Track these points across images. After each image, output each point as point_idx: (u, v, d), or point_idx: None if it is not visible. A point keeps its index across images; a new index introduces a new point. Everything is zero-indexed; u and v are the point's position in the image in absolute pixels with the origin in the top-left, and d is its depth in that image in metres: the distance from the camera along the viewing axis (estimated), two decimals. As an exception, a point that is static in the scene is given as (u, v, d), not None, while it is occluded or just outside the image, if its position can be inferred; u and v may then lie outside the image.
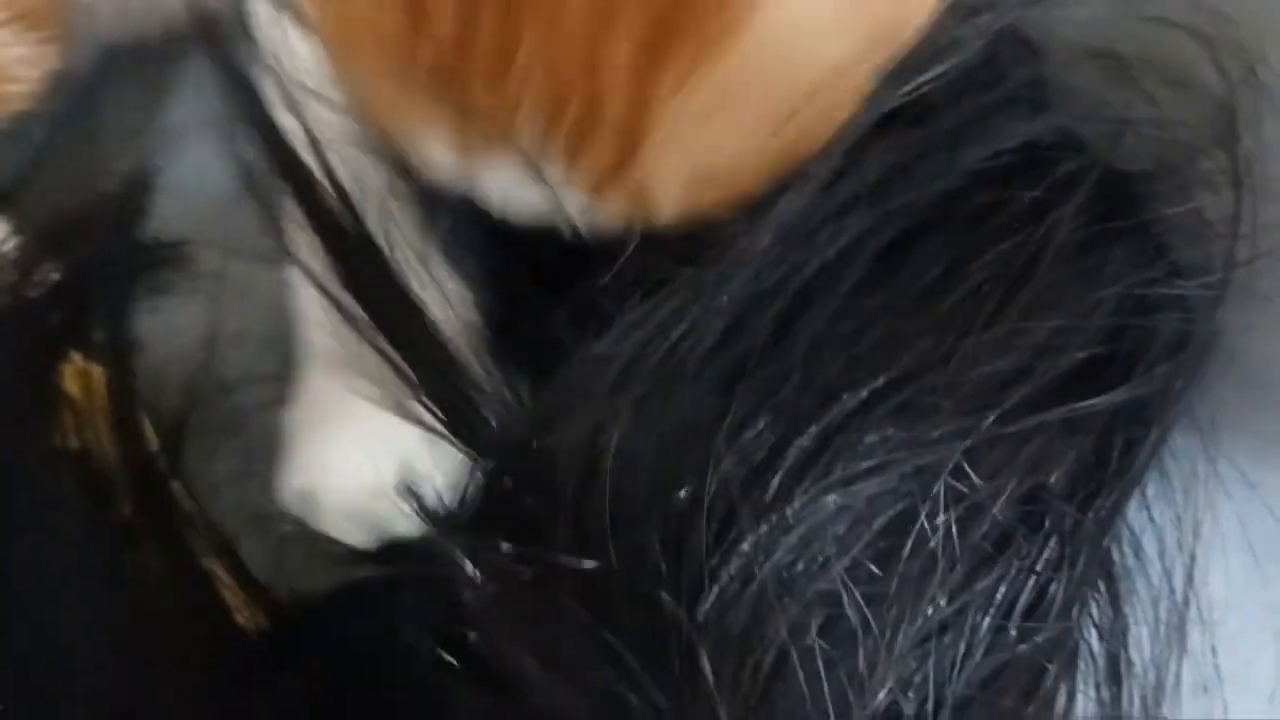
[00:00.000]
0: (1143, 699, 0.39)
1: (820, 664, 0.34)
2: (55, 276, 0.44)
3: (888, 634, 0.35)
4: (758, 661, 0.34)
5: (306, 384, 0.48)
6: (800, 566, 0.35)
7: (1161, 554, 0.40)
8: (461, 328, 0.44)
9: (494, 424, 0.41)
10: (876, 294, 0.39)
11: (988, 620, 0.36)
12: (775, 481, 0.36)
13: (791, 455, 0.36)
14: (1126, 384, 0.39)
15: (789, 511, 0.35)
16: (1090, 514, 0.38)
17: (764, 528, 0.35)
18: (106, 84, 0.57)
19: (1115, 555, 0.40)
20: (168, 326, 0.47)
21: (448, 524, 0.39)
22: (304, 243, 0.46)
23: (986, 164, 0.41)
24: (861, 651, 0.34)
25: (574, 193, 0.39)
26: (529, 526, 0.37)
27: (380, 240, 0.43)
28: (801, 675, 0.34)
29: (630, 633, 0.35)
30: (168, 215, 0.49)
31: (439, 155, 0.39)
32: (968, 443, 0.36)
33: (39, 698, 0.39)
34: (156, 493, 0.43)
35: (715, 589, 0.34)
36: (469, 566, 0.36)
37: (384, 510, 0.43)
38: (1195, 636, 0.39)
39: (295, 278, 0.48)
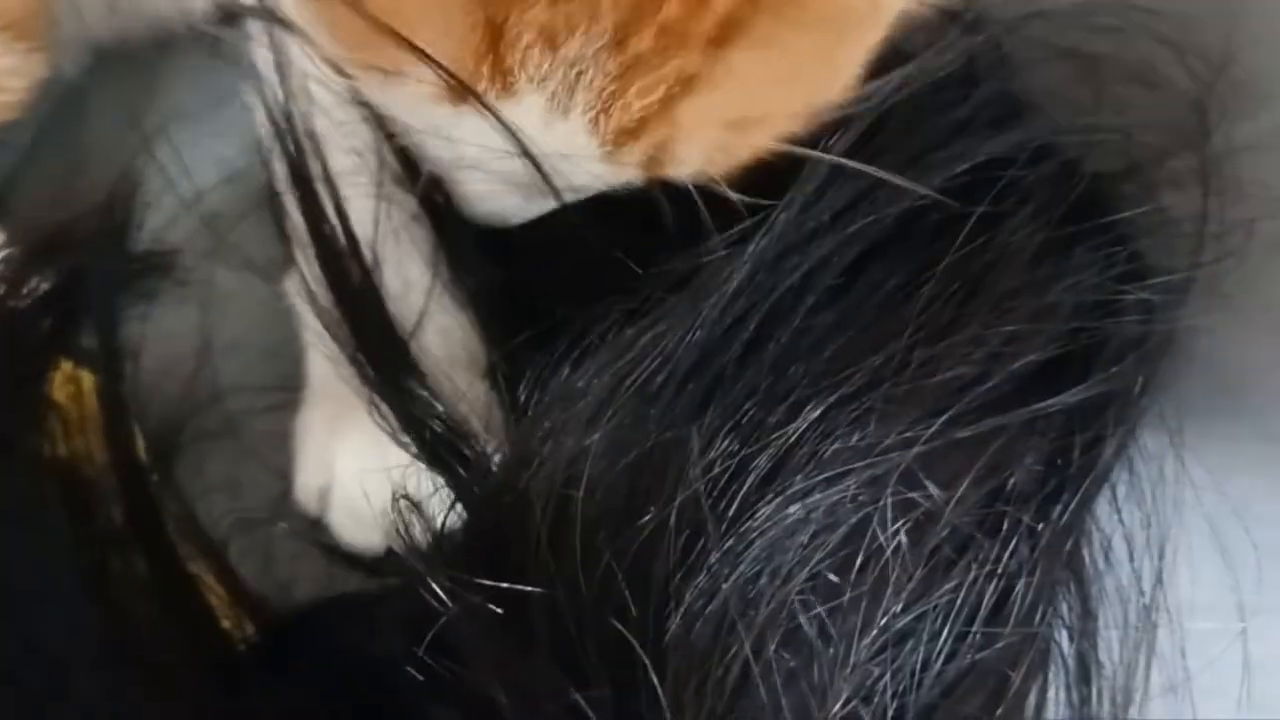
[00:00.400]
0: (1112, 700, 0.39)
1: (781, 676, 0.34)
2: (45, 285, 0.45)
3: (846, 644, 0.35)
4: (721, 676, 0.34)
5: (315, 389, 0.49)
6: (763, 580, 0.35)
7: (1131, 556, 0.41)
8: (459, 359, 0.45)
9: (476, 459, 0.41)
10: (836, 310, 0.40)
11: (948, 627, 0.36)
12: (738, 497, 0.36)
13: (753, 471, 0.36)
14: (1083, 384, 0.39)
15: (751, 526, 0.36)
16: (1052, 516, 0.39)
17: (728, 543, 0.35)
18: (94, 88, 0.57)
19: (1085, 557, 0.40)
20: (159, 334, 0.47)
21: (430, 551, 0.40)
22: (302, 258, 0.46)
23: (948, 182, 0.41)
24: (820, 663, 0.35)
25: (594, 138, 0.38)
26: (504, 558, 0.37)
27: (375, 271, 0.44)
28: (763, 689, 0.34)
29: (597, 657, 0.35)
30: (156, 222, 0.50)
31: (428, 79, 0.37)
32: (919, 449, 0.37)
33: (27, 706, 0.39)
34: (146, 500, 0.44)
35: (681, 608, 0.35)
36: (441, 595, 0.37)
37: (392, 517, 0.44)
38: (1164, 638, 0.40)
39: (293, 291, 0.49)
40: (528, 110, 0.37)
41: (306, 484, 0.48)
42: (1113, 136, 0.43)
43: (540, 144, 0.38)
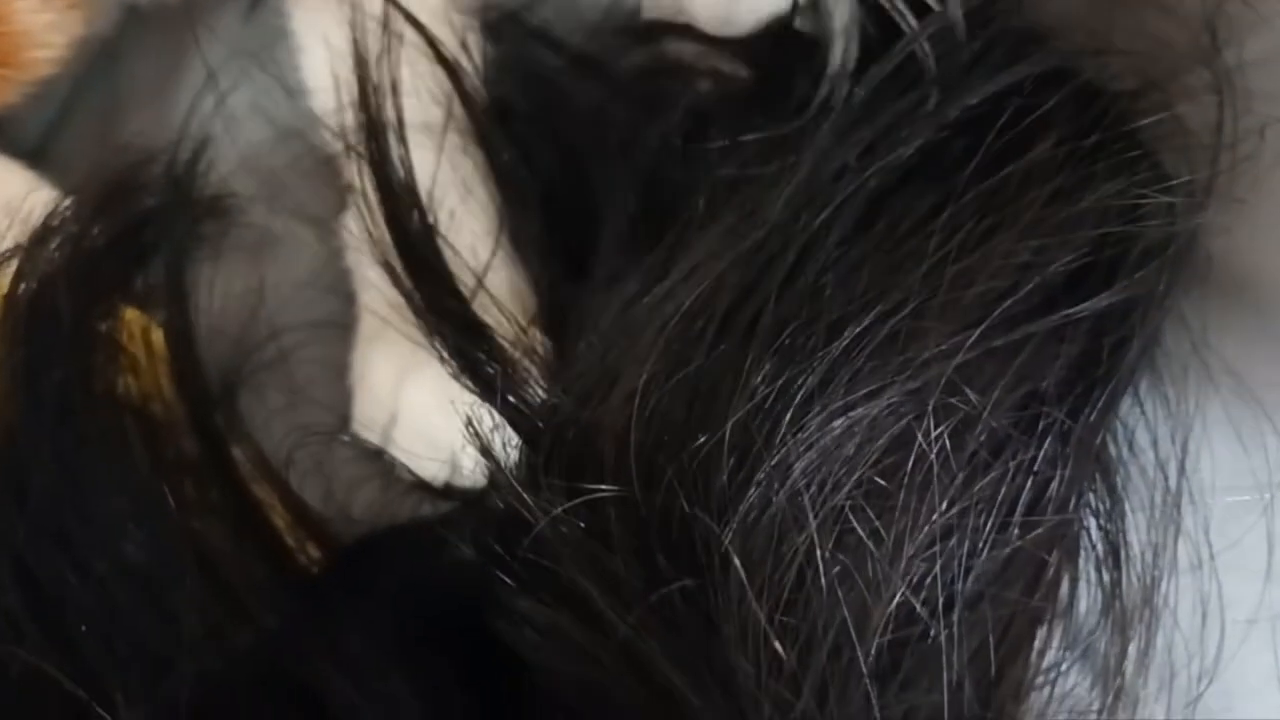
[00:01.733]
0: (1140, 580, 0.41)
1: (836, 576, 0.36)
2: (113, 230, 0.47)
3: (896, 543, 0.37)
4: (780, 578, 0.36)
5: (370, 325, 0.51)
6: (813, 489, 0.37)
7: (1154, 444, 0.43)
8: (515, 306, 0.47)
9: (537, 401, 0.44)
10: (868, 237, 0.42)
11: (990, 520, 0.38)
12: (785, 415, 0.38)
13: (798, 390, 0.38)
14: (1109, 289, 0.41)
15: (799, 439, 0.38)
16: (1083, 414, 0.41)
17: (777, 457, 0.37)
18: (130, 46, 0.59)
19: (1111, 449, 0.43)
20: (217, 275, 0.49)
21: (510, 468, 0.42)
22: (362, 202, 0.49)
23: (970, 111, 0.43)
24: (873, 561, 0.37)
25: None
26: (578, 477, 0.40)
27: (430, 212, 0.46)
28: (821, 587, 0.36)
29: (669, 563, 0.38)
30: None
31: None
32: (957, 359, 0.39)
33: (122, 622, 0.42)
34: (213, 432, 0.46)
35: (736, 519, 0.37)
36: (530, 503, 0.39)
37: (454, 444, 0.47)
38: (1188, 519, 0.42)
39: (346, 235, 0.52)
40: None
41: (369, 416, 0.50)
42: (1127, 58, 0.45)
43: None
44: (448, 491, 0.48)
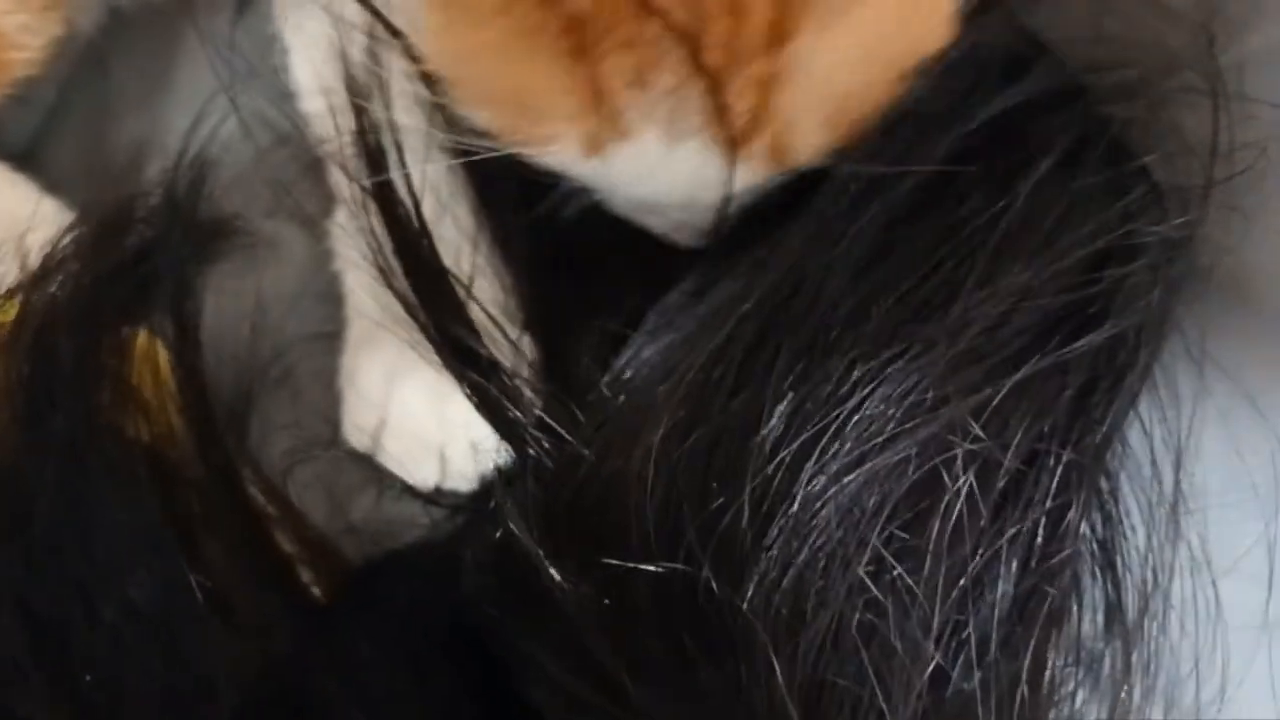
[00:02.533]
0: (1140, 588, 0.42)
1: (867, 640, 0.37)
2: (115, 260, 0.46)
3: (929, 599, 0.37)
4: (806, 645, 0.37)
5: (359, 331, 0.51)
6: (836, 547, 0.37)
7: (1150, 450, 0.43)
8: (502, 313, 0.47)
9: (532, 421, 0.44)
10: (875, 274, 0.41)
11: (1016, 561, 0.39)
12: (802, 469, 0.38)
13: (813, 442, 0.38)
14: (1114, 319, 0.41)
15: (815, 495, 0.38)
16: (1089, 443, 0.41)
17: (794, 514, 0.37)
18: (116, 49, 0.58)
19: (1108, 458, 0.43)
20: (218, 291, 0.49)
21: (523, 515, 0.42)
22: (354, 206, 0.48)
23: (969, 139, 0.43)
24: (906, 622, 0.37)
25: (715, 151, 0.40)
26: (598, 533, 0.40)
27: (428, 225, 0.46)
28: (850, 654, 0.36)
29: (690, 631, 0.38)
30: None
31: (566, 138, 0.40)
32: (970, 400, 0.39)
33: (130, 663, 0.42)
34: (225, 468, 0.46)
35: (754, 581, 0.37)
36: (551, 573, 0.39)
37: (444, 447, 0.47)
38: (1186, 525, 0.42)
39: (336, 239, 0.51)
40: (648, 148, 0.40)
41: (358, 423, 0.50)
42: (1123, 67, 0.45)
43: (670, 175, 0.41)
44: (438, 496, 0.48)
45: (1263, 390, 0.44)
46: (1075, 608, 0.41)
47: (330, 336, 0.52)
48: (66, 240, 0.46)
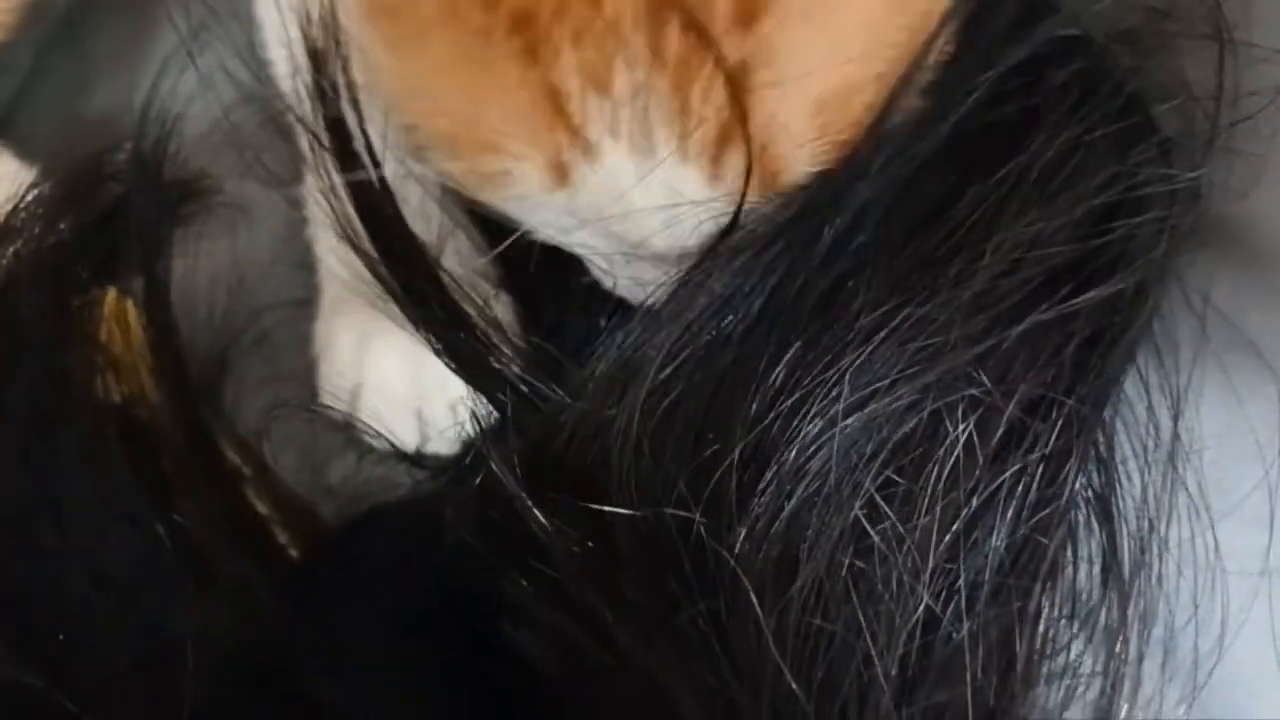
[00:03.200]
0: (1136, 536, 0.41)
1: (859, 587, 0.36)
2: (83, 220, 0.45)
3: (921, 547, 0.36)
4: (797, 592, 0.36)
5: (333, 295, 0.50)
6: (829, 491, 0.36)
7: (1147, 395, 0.42)
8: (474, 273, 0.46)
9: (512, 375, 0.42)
10: (884, 228, 0.40)
11: (1010, 511, 0.38)
12: (797, 414, 0.37)
13: (811, 389, 0.37)
14: (1119, 274, 0.40)
15: (809, 440, 0.37)
16: (1091, 392, 0.40)
17: (788, 458, 0.36)
18: (89, 14, 0.57)
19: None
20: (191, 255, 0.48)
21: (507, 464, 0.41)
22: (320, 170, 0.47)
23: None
24: (898, 569, 0.36)
25: (693, 165, 0.38)
26: (586, 482, 0.39)
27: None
28: (841, 601, 0.36)
29: (677, 580, 0.37)
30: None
31: (529, 170, 0.38)
32: (974, 350, 0.38)
33: (101, 631, 0.41)
34: (200, 430, 0.45)
35: (746, 527, 0.36)
36: (537, 516, 0.38)
37: (420, 409, 0.47)
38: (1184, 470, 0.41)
39: (306, 202, 0.50)
40: (618, 167, 0.38)
41: (336, 385, 0.49)
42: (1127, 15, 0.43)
43: (646, 197, 0.39)
44: (419, 458, 0.47)
45: (1264, 336, 0.42)
46: (1071, 559, 0.40)
47: (306, 303, 0.51)
48: (29, 198, 0.45)
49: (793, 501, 0.36)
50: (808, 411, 0.37)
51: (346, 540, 0.46)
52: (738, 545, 0.36)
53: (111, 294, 0.46)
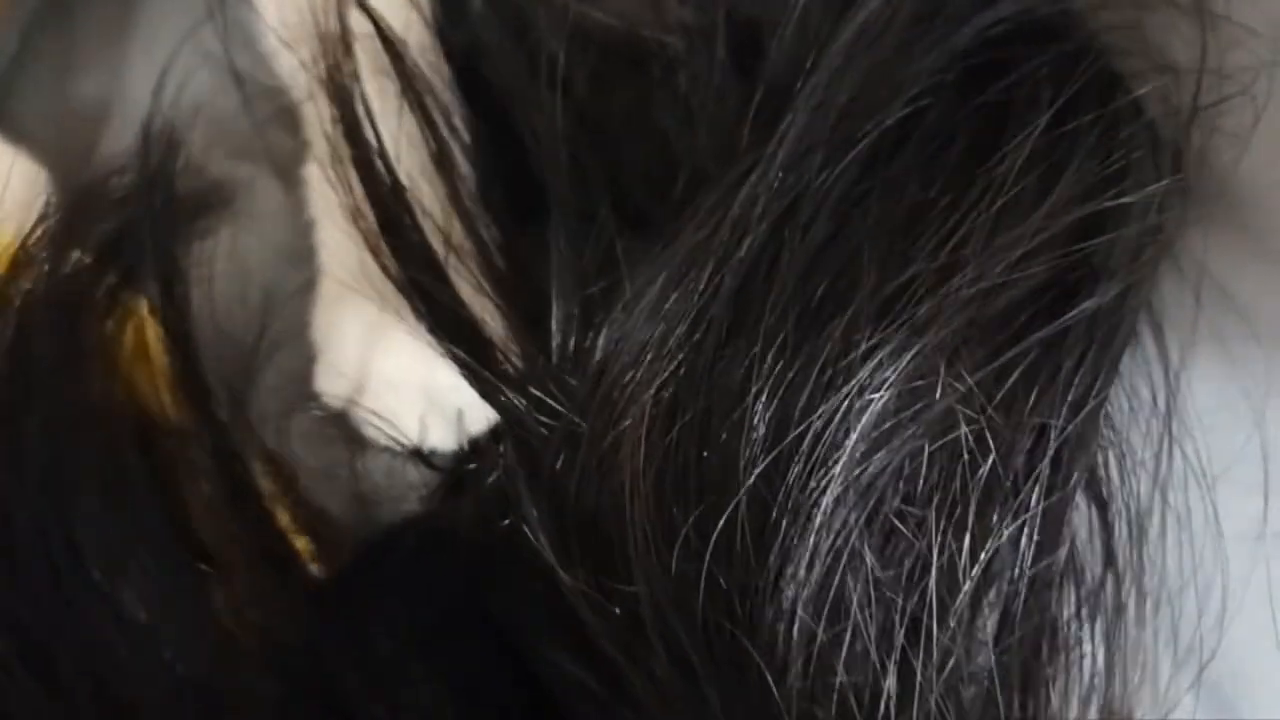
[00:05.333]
0: (1130, 505, 0.42)
1: (879, 636, 0.36)
2: (96, 244, 0.45)
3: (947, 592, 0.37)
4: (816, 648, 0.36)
5: (335, 283, 0.49)
6: (843, 547, 0.37)
7: (1144, 363, 0.43)
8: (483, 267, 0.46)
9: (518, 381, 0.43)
10: (855, 236, 0.40)
11: (1031, 531, 0.38)
12: (804, 466, 0.37)
13: (806, 435, 0.37)
14: (1107, 282, 0.40)
15: (821, 489, 0.37)
16: (1092, 391, 0.40)
17: (803, 518, 0.37)
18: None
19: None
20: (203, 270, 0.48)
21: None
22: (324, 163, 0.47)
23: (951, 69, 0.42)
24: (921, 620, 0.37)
25: None
26: (596, 540, 0.39)
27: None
28: (866, 651, 0.36)
29: (695, 645, 0.37)
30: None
31: None
32: (978, 375, 0.38)
33: (122, 664, 0.40)
34: (227, 448, 0.45)
35: (771, 588, 0.36)
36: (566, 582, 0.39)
37: (428, 414, 0.47)
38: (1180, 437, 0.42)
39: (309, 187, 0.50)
40: None
41: (336, 378, 0.49)
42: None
43: None
44: (429, 457, 0.48)
45: (1258, 300, 0.43)
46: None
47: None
48: (39, 231, 0.44)
49: (814, 568, 0.36)
50: (813, 462, 0.37)
51: (373, 557, 0.46)
52: (751, 614, 0.36)
53: (132, 315, 0.46)
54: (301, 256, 0.50)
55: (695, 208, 0.41)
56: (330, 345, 0.49)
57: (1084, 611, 0.40)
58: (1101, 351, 0.41)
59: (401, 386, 0.47)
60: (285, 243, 0.51)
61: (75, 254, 0.45)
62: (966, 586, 0.37)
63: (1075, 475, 0.39)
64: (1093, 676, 0.39)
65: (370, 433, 0.48)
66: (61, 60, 0.57)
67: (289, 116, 0.52)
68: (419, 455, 0.47)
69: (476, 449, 0.47)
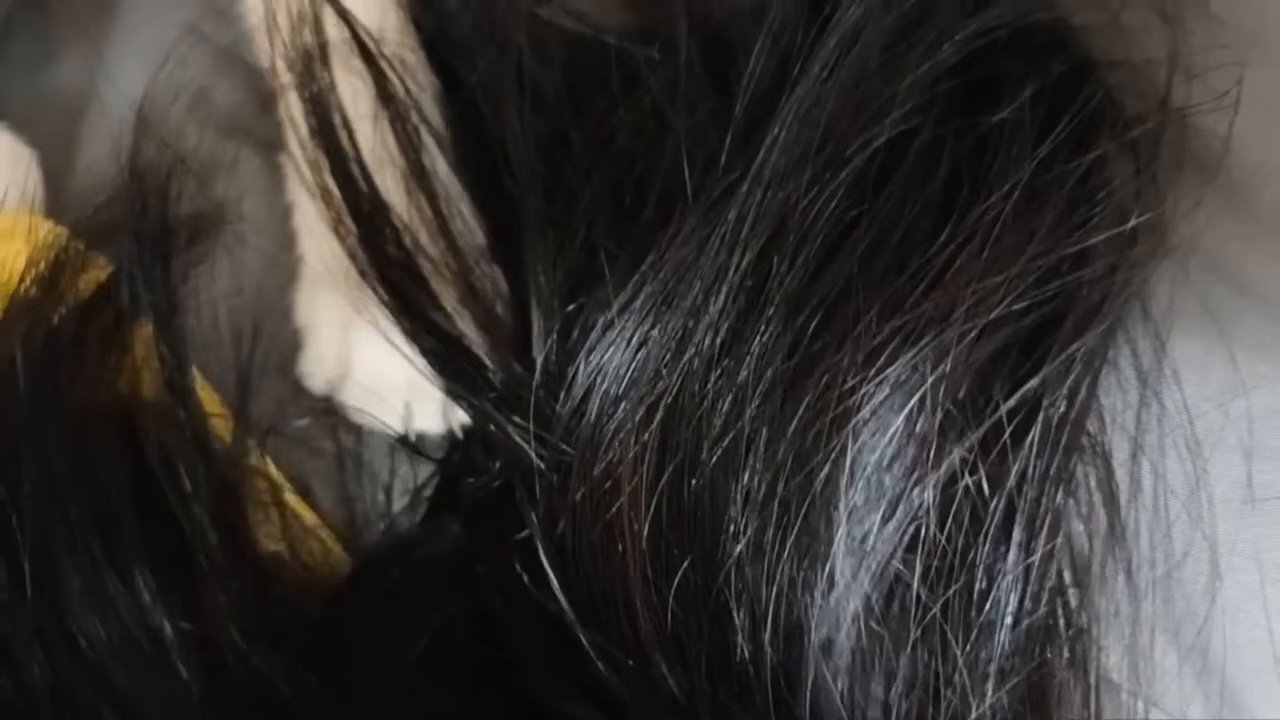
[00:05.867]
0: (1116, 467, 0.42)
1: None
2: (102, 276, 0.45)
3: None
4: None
5: (314, 270, 0.49)
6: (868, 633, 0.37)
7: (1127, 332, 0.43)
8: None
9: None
10: (843, 270, 0.40)
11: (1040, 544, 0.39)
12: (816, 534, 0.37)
13: (804, 506, 0.37)
14: (1092, 311, 0.40)
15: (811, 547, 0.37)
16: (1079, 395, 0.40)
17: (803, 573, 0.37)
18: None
19: None
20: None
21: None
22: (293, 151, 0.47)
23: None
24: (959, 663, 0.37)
25: None
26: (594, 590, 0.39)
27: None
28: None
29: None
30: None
31: None
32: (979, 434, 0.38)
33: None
34: (229, 488, 0.45)
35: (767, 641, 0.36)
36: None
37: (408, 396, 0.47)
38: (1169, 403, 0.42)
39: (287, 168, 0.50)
40: None
41: (318, 369, 0.48)
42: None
43: None
44: (416, 444, 0.48)
45: (1244, 265, 0.43)
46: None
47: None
48: (29, 279, 0.44)
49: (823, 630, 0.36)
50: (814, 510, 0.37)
51: (360, 587, 0.46)
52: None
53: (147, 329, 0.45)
54: (287, 241, 0.50)
55: (676, 225, 0.41)
56: (314, 330, 0.49)
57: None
58: (1086, 387, 0.41)
59: (386, 371, 0.46)
60: (271, 227, 0.51)
61: (72, 292, 0.44)
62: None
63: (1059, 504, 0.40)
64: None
65: (357, 418, 0.48)
66: (42, 40, 0.56)
67: (272, 97, 0.51)
68: (406, 444, 0.47)
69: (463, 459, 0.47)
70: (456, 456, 0.47)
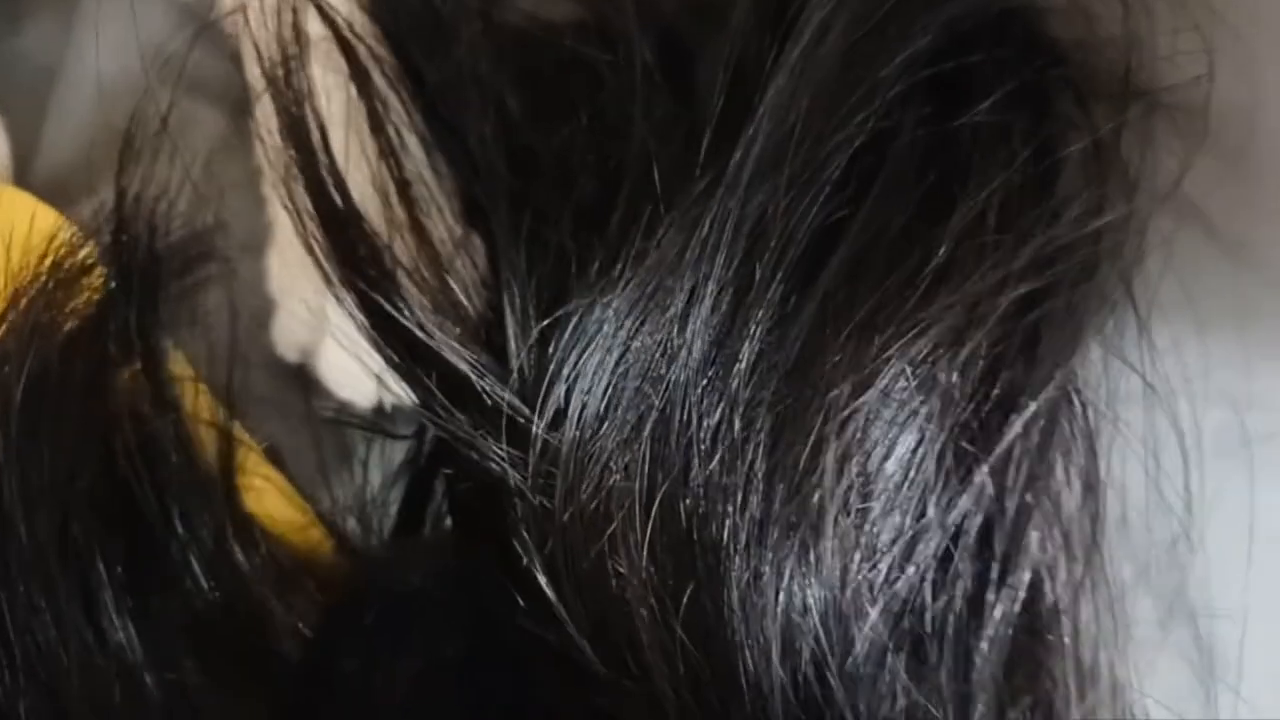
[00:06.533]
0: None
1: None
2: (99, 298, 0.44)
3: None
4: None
5: (283, 237, 0.49)
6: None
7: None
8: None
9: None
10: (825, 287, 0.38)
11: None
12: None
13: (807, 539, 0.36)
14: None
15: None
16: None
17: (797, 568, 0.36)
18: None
19: None
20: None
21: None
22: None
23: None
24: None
25: None
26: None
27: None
28: None
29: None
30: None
31: None
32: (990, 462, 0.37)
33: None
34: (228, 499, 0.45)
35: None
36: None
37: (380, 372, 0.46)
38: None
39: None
40: None
41: (290, 336, 0.49)
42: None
43: None
44: (384, 420, 0.48)
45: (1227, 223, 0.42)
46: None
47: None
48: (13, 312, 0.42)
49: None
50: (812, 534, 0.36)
51: (347, 613, 0.45)
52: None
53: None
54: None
55: (651, 230, 0.39)
56: (286, 296, 0.49)
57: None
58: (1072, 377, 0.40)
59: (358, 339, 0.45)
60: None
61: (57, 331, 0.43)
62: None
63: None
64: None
65: (330, 386, 0.48)
66: (8, 8, 0.55)
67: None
68: (378, 429, 0.48)
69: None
70: (429, 435, 0.47)
